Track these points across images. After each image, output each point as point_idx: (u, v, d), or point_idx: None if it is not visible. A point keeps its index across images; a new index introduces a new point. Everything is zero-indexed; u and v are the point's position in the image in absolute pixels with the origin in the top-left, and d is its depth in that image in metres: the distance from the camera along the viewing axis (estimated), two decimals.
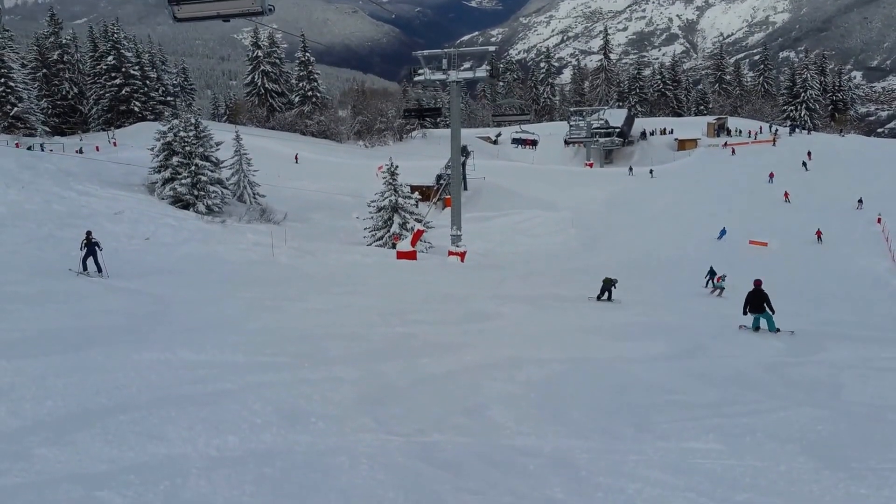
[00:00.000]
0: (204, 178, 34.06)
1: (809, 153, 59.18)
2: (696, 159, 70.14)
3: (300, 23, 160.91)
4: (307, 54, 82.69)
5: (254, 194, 40.28)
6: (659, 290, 24.39)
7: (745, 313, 13.71)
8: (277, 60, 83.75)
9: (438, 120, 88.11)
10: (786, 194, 51.46)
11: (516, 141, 63.18)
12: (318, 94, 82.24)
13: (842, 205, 48.57)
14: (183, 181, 33.75)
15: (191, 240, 25.94)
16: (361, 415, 6.27)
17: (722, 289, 24.54)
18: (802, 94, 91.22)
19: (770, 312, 13.49)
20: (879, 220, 44.02)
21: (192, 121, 35.71)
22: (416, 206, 36.60)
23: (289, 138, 70.77)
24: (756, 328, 13.81)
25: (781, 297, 14.66)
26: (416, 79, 33.16)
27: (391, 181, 35.30)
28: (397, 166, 35.63)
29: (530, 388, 7.75)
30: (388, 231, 34.71)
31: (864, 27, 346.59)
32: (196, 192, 33.93)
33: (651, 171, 62.44)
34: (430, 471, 4.92)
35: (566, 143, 67.71)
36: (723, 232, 41.00)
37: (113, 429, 5.39)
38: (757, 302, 13.61)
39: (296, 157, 60.82)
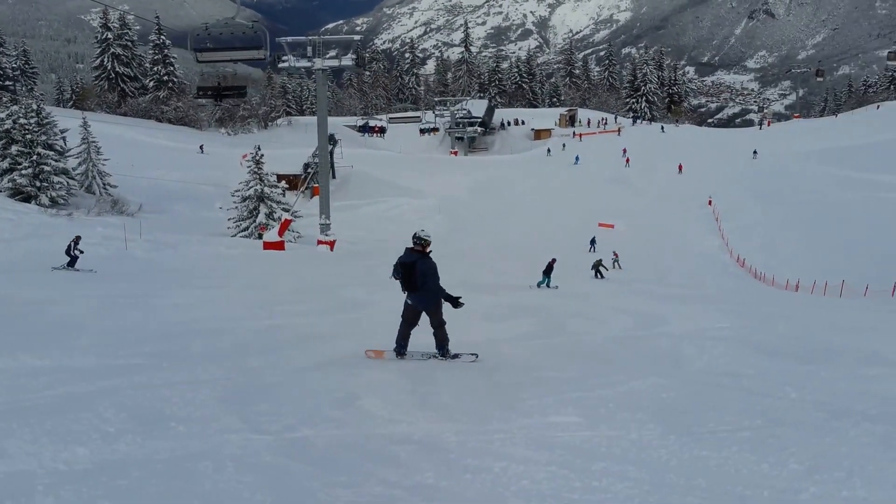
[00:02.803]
0: (47, 169, 31.59)
1: (755, 151, 63.19)
2: (550, 148, 73.34)
3: (154, 4, 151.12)
4: (162, 37, 77.99)
5: (104, 185, 37.69)
6: (523, 273, 25.34)
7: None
8: (129, 43, 78.51)
9: (305, 107, 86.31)
10: (679, 167, 58.28)
11: (363, 129, 63.09)
12: (175, 79, 77.86)
13: (680, 188, 52.62)
14: (23, 172, 31.08)
15: (33, 235, 23.89)
16: (226, 415, 6.05)
17: (606, 269, 26.68)
18: (643, 88, 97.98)
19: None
20: (710, 203, 48.16)
21: (34, 107, 33.01)
22: (283, 195, 35.87)
23: (143, 125, 66.55)
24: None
25: (629, 272, 15.72)
26: (281, 66, 32.71)
27: (256, 170, 34.31)
28: (262, 154, 34.69)
29: (402, 375, 7.79)
30: (254, 221, 33.74)
31: (696, 26, 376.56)
32: (38, 184, 31.42)
33: (563, 146, 71.30)
34: (300, 468, 4.84)
35: (421, 132, 68.77)
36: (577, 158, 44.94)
37: None
38: (548, 270, 21.73)
39: (201, 148, 58.80)
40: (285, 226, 30.26)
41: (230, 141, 68.41)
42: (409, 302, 8.41)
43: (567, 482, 4.57)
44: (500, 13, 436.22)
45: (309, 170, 50.48)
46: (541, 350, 9.66)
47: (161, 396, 6.59)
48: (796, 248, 35.42)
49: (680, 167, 58.51)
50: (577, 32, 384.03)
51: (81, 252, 18.83)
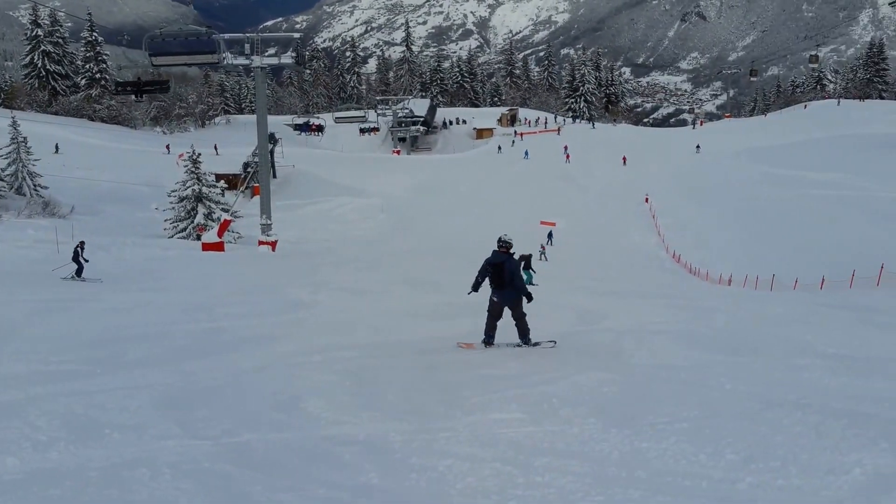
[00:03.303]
0: None
1: (698, 146, 66.26)
2: (493, 147, 74.02)
3: (87, 0, 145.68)
4: (94, 34, 75.40)
5: (34, 186, 36.20)
6: (467, 271, 25.45)
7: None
8: (60, 40, 75.68)
9: (244, 106, 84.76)
10: (623, 158, 61.76)
11: (299, 127, 62.40)
12: (108, 77, 75.33)
13: (619, 186, 53.78)
14: None
15: None
16: (164, 421, 5.89)
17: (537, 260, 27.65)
18: (581, 88, 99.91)
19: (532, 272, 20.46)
20: (647, 200, 49.40)
21: None
22: (223, 195, 35.17)
23: (75, 124, 64.18)
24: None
25: (572, 270, 15.98)
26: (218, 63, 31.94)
27: (194, 169, 33.52)
28: (200, 154, 33.98)
29: (346, 376, 7.73)
30: (192, 222, 32.95)
31: (632, 28, 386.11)
32: None
33: (512, 143, 73.70)
34: (240, 473, 4.75)
35: (361, 132, 68.02)
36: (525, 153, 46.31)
37: None
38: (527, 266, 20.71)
39: (167, 148, 57.29)
40: (224, 226, 29.64)
41: (166, 140, 66.56)
42: (496, 298, 9.20)
43: (511, 478, 4.61)
44: (441, 13, 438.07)
45: (249, 169, 49.65)
46: (484, 348, 9.71)
47: (95, 403, 6.37)
48: (729, 243, 36.61)
49: (624, 159, 61.66)
50: (517, 33, 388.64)
51: (87, 261, 17.69)
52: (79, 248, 17.69)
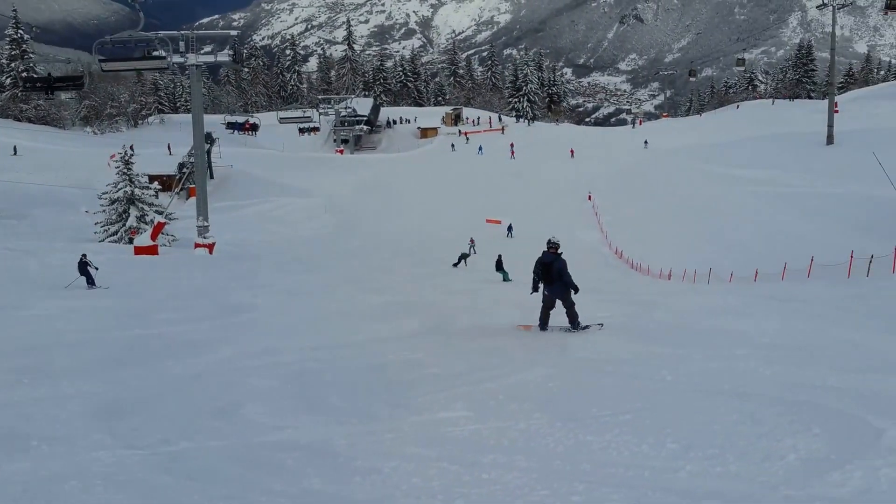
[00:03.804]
0: None
1: (646, 141, 69.42)
2: (438, 146, 74.16)
3: None
4: (20, 31, 72.28)
5: None
6: (412, 270, 25.40)
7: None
8: None
9: (179, 105, 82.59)
10: (571, 151, 65.19)
11: (232, 125, 61.25)
12: (35, 76, 72.23)
13: (563, 184, 54.56)
14: None
15: None
16: (95, 431, 5.64)
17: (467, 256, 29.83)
18: (524, 88, 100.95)
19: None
20: (590, 198, 50.28)
21: None
22: (157, 196, 34.19)
23: (1, 125, 61.44)
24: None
25: (519, 267, 16.08)
26: None
27: (126, 171, 32.44)
28: (132, 154, 32.94)
29: (287, 380, 7.58)
30: (124, 225, 31.90)
31: (572, 29, 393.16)
32: None
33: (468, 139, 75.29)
34: (177, 482, 4.58)
35: (301, 131, 66.87)
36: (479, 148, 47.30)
37: None
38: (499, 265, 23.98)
39: (131, 148, 54.73)
40: (158, 229, 28.77)
41: (97, 140, 64.29)
42: (547, 293, 10.55)
43: (457, 477, 4.57)
44: (384, 12, 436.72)
45: (184, 170, 48.45)
46: (430, 347, 9.67)
47: (21, 414, 6.07)
48: (669, 239, 37.53)
49: (571, 152, 64.92)
50: (460, 33, 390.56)
51: (97, 269, 17.62)
52: (84, 260, 17.60)
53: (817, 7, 64.79)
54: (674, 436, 5.09)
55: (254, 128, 65.74)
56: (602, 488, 4.24)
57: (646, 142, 68.56)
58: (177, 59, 29.85)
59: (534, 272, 10.65)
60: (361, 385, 7.35)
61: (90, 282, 17.25)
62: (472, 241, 34.23)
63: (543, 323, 10.65)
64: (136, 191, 32.41)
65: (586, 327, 10.41)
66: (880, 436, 4.71)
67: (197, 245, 29.42)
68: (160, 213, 32.12)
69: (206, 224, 30.45)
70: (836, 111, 56.81)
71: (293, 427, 5.84)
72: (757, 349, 8.32)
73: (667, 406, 5.98)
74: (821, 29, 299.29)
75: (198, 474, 4.74)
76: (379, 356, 8.96)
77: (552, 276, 10.33)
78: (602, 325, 10.53)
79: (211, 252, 29.05)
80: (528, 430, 5.49)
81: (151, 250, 26.56)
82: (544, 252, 10.58)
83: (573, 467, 4.65)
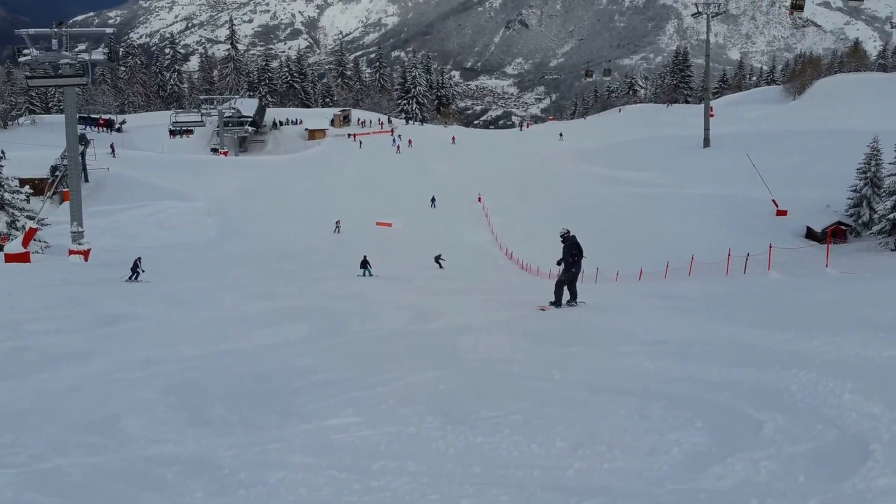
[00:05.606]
0: None
1: (561, 134, 76.01)
2: (327, 148, 73.19)
3: None
4: None
5: None
6: (300, 275, 24.85)
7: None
8: None
9: (51, 105, 77.26)
10: (453, 138, 71.54)
11: (85, 120, 58.21)
12: None
13: (453, 187, 55.18)
14: None
15: None
16: None
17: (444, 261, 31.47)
18: (413, 90, 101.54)
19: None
20: (480, 200, 51.17)
21: None
22: (28, 201, 32.29)
23: None
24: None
25: (408, 269, 16.06)
26: (22, 59, 30.10)
27: None
28: (2, 157, 31.00)
29: (168, 391, 7.18)
30: None
31: (460, 33, 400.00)
32: None
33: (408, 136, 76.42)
34: (49, 501, 4.26)
35: (171, 133, 64.03)
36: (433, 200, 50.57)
37: None
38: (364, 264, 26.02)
39: (111, 147, 50.60)
40: (30, 235, 27.19)
41: None
42: (574, 269, 13.92)
43: (346, 485, 4.46)
44: (268, 11, 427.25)
45: (57, 173, 45.50)
46: (319, 352, 9.46)
47: None
48: (556, 239, 38.71)
49: (453, 138, 70.42)
50: (347, 34, 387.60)
51: (143, 271, 20.64)
52: (137, 262, 20.85)
53: (692, 16, 68.86)
54: (563, 434, 5.18)
55: (108, 124, 61.97)
56: (492, 490, 4.25)
57: (561, 134, 73.82)
58: (49, 57, 28.73)
59: (579, 255, 13.87)
60: (247, 394, 7.07)
61: (135, 278, 16.52)
62: (337, 222, 38.40)
63: (573, 296, 13.69)
64: (6, 195, 30.53)
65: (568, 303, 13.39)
66: (760, 428, 4.94)
67: (71, 252, 28.46)
68: (32, 218, 30.69)
69: (80, 230, 29.39)
70: (712, 115, 60.76)
71: (174, 440, 5.55)
72: (641, 345, 8.63)
73: (556, 404, 6.08)
74: (696, 36, 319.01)
75: (72, 492, 4.48)
76: (266, 363, 8.66)
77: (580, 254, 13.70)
78: (584, 302, 13.68)
79: (86, 259, 28.16)
80: (419, 433, 5.45)
81: (23, 258, 25.46)
82: (572, 238, 14.15)
83: (463, 470, 4.64)
